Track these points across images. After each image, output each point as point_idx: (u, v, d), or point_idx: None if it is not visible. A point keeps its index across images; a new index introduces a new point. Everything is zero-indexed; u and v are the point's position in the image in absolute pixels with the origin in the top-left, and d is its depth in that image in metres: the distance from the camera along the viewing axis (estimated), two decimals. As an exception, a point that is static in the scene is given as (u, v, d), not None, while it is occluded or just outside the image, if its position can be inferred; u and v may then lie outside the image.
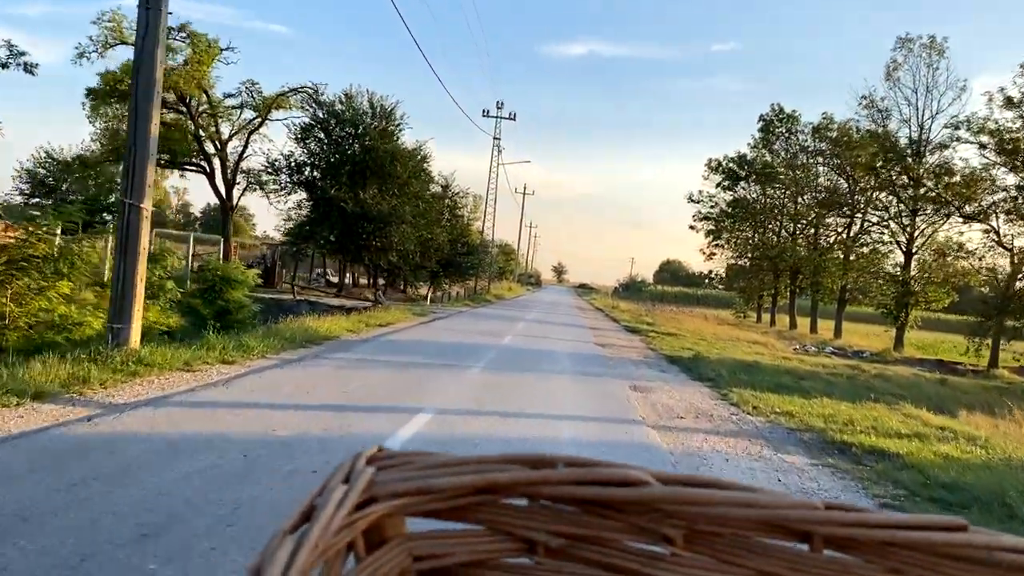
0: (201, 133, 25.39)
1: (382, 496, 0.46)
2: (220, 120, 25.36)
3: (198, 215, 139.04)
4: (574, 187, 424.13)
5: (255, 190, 28.80)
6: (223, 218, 26.49)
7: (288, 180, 33.65)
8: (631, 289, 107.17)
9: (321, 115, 32.83)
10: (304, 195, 33.99)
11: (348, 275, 44.20)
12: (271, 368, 10.18)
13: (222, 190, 26.57)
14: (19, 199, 37.91)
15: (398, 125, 33.71)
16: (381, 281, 44.25)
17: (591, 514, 0.48)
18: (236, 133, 26.33)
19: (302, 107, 31.96)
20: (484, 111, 50.03)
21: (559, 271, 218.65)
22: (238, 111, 25.89)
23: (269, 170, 33.16)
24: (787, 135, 47.28)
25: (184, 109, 24.53)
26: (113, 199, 39.78)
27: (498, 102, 49.74)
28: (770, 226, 51.44)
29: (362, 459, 0.49)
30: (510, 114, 51.01)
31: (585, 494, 0.47)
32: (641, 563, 0.49)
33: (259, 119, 25.58)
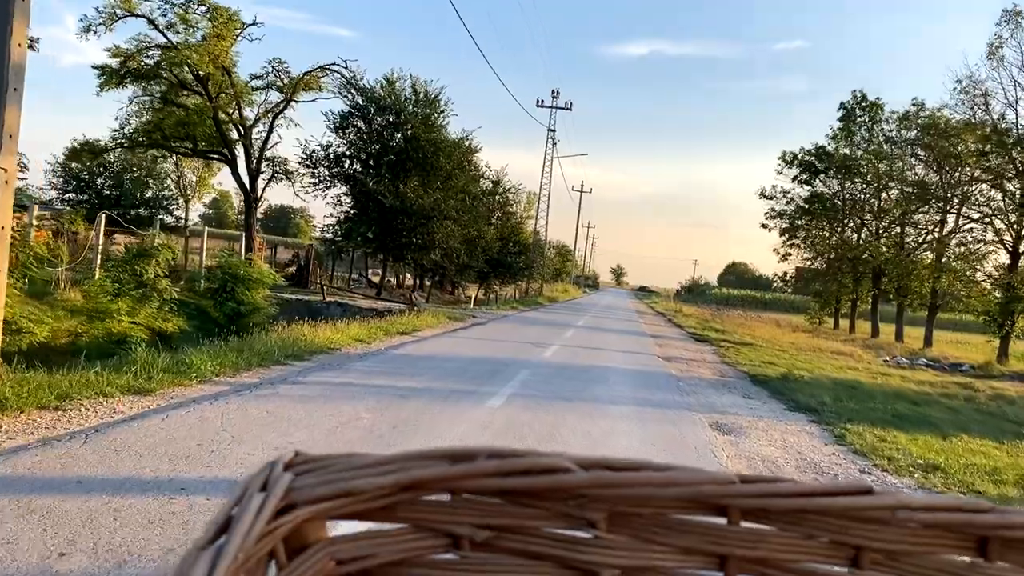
0: (222, 116, 22.71)
1: (301, 501, 0.45)
2: (243, 103, 22.65)
3: (260, 216, 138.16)
4: (634, 188, 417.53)
5: (281, 180, 26.03)
6: (246, 210, 23.83)
7: (327, 173, 30.98)
8: (694, 292, 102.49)
9: (360, 102, 30.01)
10: (343, 189, 31.28)
11: (393, 276, 41.50)
12: (196, 403, 7.04)
13: (246, 180, 23.94)
14: (52, 194, 36.20)
15: (442, 112, 30.67)
16: (427, 282, 41.39)
17: (515, 504, 0.49)
18: (261, 118, 23.61)
19: (339, 94, 29.17)
20: (538, 100, 46.68)
21: (618, 273, 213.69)
22: (264, 92, 23.17)
23: (307, 162, 30.57)
24: (870, 124, 42.78)
25: (202, 91, 21.86)
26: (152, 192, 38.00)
27: (553, 91, 46.43)
28: (850, 224, 46.96)
29: (279, 465, 0.47)
30: (566, 103, 47.49)
31: (507, 485, 0.47)
32: (566, 548, 0.50)
33: (284, 101, 22.75)
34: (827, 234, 47.22)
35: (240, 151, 23.90)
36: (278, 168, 23.67)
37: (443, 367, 10.98)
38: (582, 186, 77.28)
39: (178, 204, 55.12)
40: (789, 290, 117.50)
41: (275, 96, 23.49)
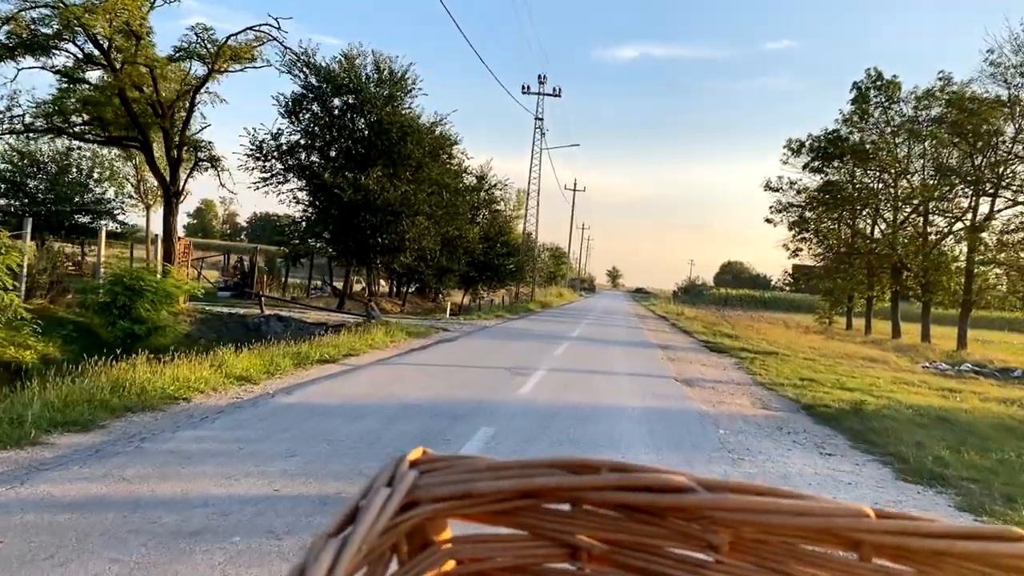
0: (134, 95, 18.41)
1: (425, 499, 0.46)
2: (158, 75, 18.36)
3: (244, 225, 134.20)
4: (627, 192, 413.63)
5: (206, 169, 21.65)
6: (165, 207, 19.47)
7: (280, 166, 26.67)
8: (692, 293, 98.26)
9: (314, 82, 25.70)
10: (298, 183, 26.96)
11: (362, 282, 37.23)
12: None
13: (164, 170, 19.68)
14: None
15: (410, 92, 26.36)
16: (404, 289, 37.07)
17: (635, 520, 0.48)
18: (182, 95, 19.25)
19: (289, 72, 24.87)
20: (524, 87, 42.23)
21: (614, 275, 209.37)
22: (188, 65, 18.79)
23: (255, 154, 26.26)
24: (886, 105, 38.62)
25: (104, 61, 17.54)
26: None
27: (540, 75, 42.02)
28: (864, 215, 42.82)
29: (405, 462, 0.48)
30: (554, 89, 43.00)
31: (629, 500, 0.46)
32: (685, 570, 0.48)
33: (207, 72, 18.43)
34: (839, 226, 43.04)
35: (159, 136, 19.51)
36: (202, 154, 19.36)
37: (344, 433, 6.59)
38: (575, 184, 73.01)
39: (124, 210, 50.95)
40: (787, 288, 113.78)
41: (202, 70, 19.12)
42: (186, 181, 20.61)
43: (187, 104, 18.92)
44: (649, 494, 0.45)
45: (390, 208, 24.78)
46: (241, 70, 19.23)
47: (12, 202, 32.35)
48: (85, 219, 32.89)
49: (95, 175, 33.76)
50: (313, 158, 26.88)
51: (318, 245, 27.70)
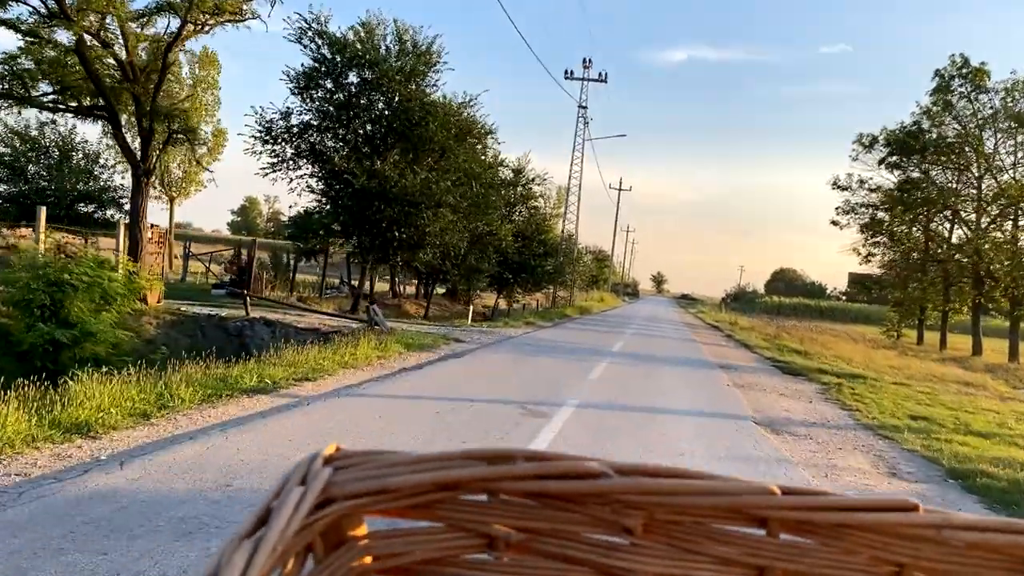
0: (98, 53, 15.42)
1: (340, 496, 0.45)
2: (127, 34, 15.33)
3: (269, 225, 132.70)
4: (674, 196, 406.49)
5: (182, 142, 18.48)
6: (134, 187, 16.36)
7: (291, 149, 23.61)
8: (741, 300, 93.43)
9: (327, 53, 22.55)
10: (310, 169, 23.84)
11: (387, 282, 34.14)
12: None
13: (134, 143, 16.66)
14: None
15: (434, 66, 23.03)
16: (432, 291, 33.80)
17: (551, 508, 0.48)
18: (152, 59, 16.11)
19: (299, 42, 21.82)
20: (567, 72, 38.58)
21: (658, 281, 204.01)
22: (156, 18, 15.69)
23: (264, 136, 23.24)
24: (973, 95, 34.24)
25: (58, 7, 14.49)
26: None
27: (585, 59, 38.39)
28: (940, 218, 38.39)
29: (319, 460, 0.47)
30: (600, 74, 39.31)
31: (544, 488, 0.47)
32: (601, 554, 0.49)
33: (183, 24, 15.25)
34: (910, 230, 38.60)
35: (132, 106, 16.43)
36: (177, 125, 16.21)
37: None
38: (620, 183, 69.04)
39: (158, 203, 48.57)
40: (843, 298, 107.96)
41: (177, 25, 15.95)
42: (158, 157, 17.46)
43: (160, 65, 15.77)
44: (563, 481, 0.46)
45: (408, 198, 21.49)
46: (228, 26, 16.00)
47: (11, 188, 29.92)
48: (89, 207, 30.35)
49: (101, 160, 31.14)
50: (328, 142, 23.76)
51: (332, 240, 24.58)
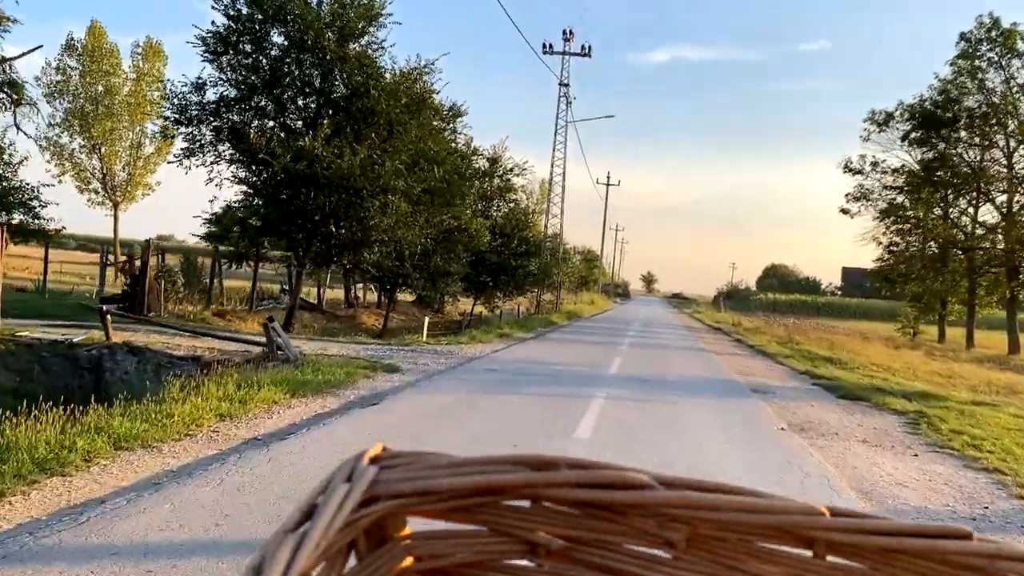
0: None
1: (384, 495, 0.45)
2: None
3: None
4: (661, 195, 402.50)
5: (6, 108, 13.90)
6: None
7: (208, 133, 19.03)
8: (736, 298, 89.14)
9: (245, 8, 18.00)
10: (230, 153, 19.23)
11: (336, 288, 29.63)
12: None
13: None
14: None
15: (375, 18, 18.44)
16: (397, 297, 29.21)
17: (593, 517, 0.47)
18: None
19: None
20: (545, 45, 33.87)
21: (648, 280, 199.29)
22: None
23: (179, 116, 18.70)
24: (1005, 59, 29.97)
25: None
26: None
27: (566, 31, 33.64)
28: (962, 200, 34.12)
29: (365, 458, 0.47)
30: (583, 48, 34.55)
31: (588, 496, 0.46)
32: (642, 566, 0.48)
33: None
34: (925, 214, 34.24)
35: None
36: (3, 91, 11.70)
37: None
38: (608, 178, 64.55)
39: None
40: (839, 293, 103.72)
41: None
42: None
43: None
44: (607, 491, 0.45)
45: (345, 183, 16.97)
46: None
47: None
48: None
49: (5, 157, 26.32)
50: (252, 120, 19.18)
51: (260, 240, 19.97)
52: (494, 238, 31.80)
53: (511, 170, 32.35)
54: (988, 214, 33.65)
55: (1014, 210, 31.44)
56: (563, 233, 38.27)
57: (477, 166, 30.56)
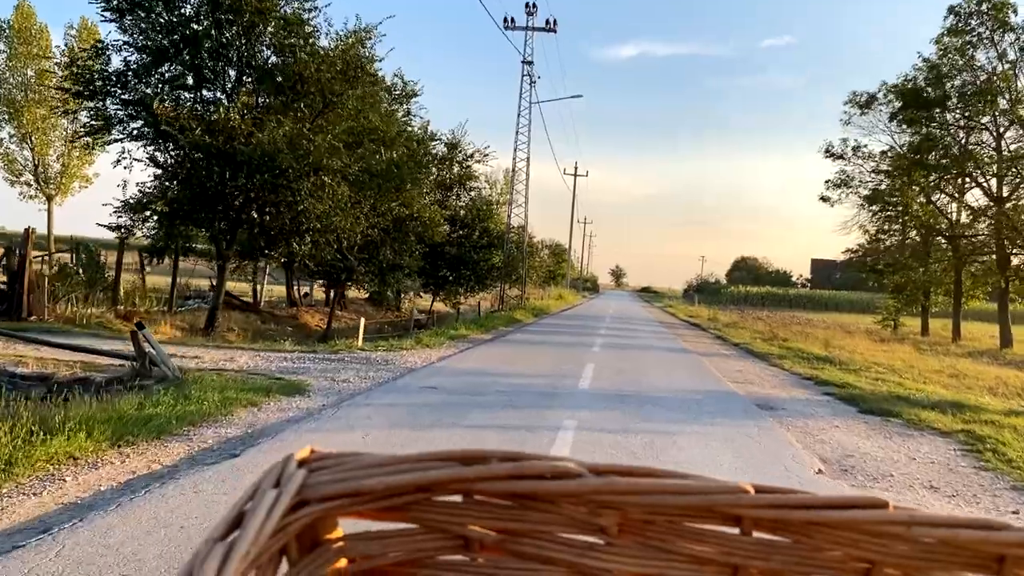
0: None
1: (314, 499, 0.45)
2: None
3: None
4: (629, 191, 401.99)
5: None
6: None
7: (117, 108, 16.19)
8: (706, 291, 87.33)
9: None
10: (140, 130, 16.36)
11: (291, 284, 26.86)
12: None
13: None
14: None
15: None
16: (345, 293, 26.51)
17: (526, 508, 0.48)
18: None
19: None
20: (506, 19, 31.02)
21: (618, 275, 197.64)
22: None
23: (83, 86, 15.89)
24: (996, 33, 27.96)
25: None
26: None
27: (528, 3, 30.87)
28: (947, 185, 32.10)
29: (293, 461, 0.47)
30: (547, 22, 31.63)
31: (519, 488, 0.46)
32: (576, 554, 0.49)
33: None
34: (921, 201, 32.11)
35: None
36: None
37: None
38: (576, 169, 62.07)
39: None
40: (808, 285, 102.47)
41: None
42: None
43: None
44: (538, 481, 0.45)
45: (269, 161, 14.26)
46: None
47: None
48: None
49: None
50: (165, 90, 16.33)
51: (175, 230, 17.13)
52: (454, 229, 29.24)
53: (472, 156, 29.68)
54: (974, 201, 31.76)
55: (1004, 195, 29.52)
56: (528, 223, 35.65)
57: (435, 152, 27.94)
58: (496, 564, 0.49)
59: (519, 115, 32.03)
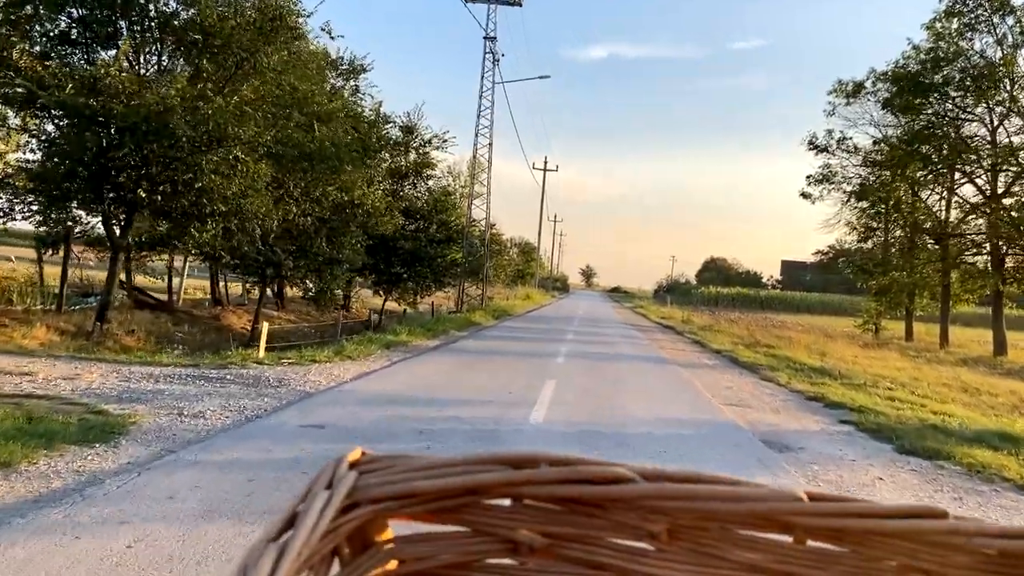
0: None
1: (365, 500, 0.45)
2: None
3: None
4: (599, 191, 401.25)
5: None
6: None
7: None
8: (676, 292, 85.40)
9: None
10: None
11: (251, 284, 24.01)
12: None
13: None
14: None
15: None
16: (285, 291, 23.77)
17: (575, 513, 0.47)
18: None
19: None
20: (468, -10, 28.56)
21: (587, 274, 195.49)
22: None
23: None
24: (996, 16, 25.90)
25: None
26: None
27: (489, -28, 28.44)
28: (937, 181, 30.03)
29: (344, 463, 0.47)
30: (511, -2, 29.49)
31: (569, 493, 0.46)
32: (626, 559, 0.48)
33: None
34: (909, 197, 30.00)
35: None
36: None
37: None
38: (545, 163, 59.55)
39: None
40: (779, 287, 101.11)
41: None
42: None
43: None
44: (588, 486, 0.45)
45: (155, 127, 11.48)
46: None
47: None
48: None
49: None
50: (36, 48, 13.46)
51: (58, 213, 14.26)
52: (409, 221, 26.54)
53: (429, 142, 26.96)
54: (966, 198, 29.74)
55: (999, 190, 27.50)
56: (495, 219, 33.04)
57: (388, 136, 25.23)
58: (545, 568, 0.48)
59: (481, 96, 29.38)
